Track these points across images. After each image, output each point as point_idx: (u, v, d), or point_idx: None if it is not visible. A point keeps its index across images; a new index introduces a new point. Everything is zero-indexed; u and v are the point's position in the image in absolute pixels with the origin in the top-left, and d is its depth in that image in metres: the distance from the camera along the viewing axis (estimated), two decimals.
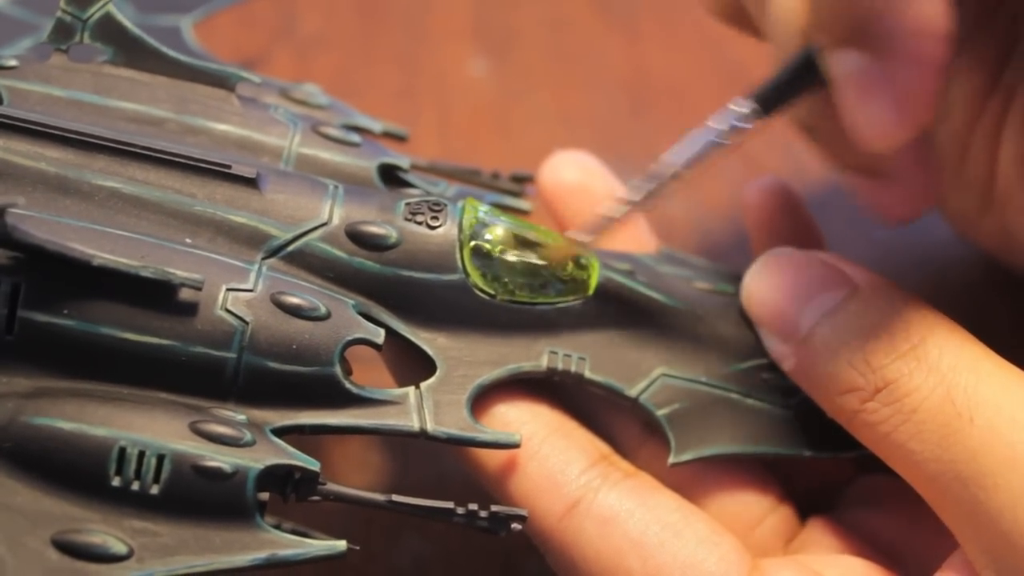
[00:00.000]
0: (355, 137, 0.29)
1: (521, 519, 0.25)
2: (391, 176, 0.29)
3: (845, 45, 0.24)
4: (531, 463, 0.27)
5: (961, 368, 0.25)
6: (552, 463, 0.27)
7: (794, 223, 0.32)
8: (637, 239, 0.31)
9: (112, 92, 0.27)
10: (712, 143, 0.27)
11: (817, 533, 0.29)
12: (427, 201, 0.27)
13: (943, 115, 0.32)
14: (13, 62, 0.27)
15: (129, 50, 0.28)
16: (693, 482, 0.28)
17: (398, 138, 0.32)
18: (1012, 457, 0.24)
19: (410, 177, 0.29)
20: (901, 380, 0.25)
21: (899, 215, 0.30)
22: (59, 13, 0.27)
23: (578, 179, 0.31)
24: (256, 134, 0.28)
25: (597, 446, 0.28)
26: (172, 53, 0.28)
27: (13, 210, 0.24)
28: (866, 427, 0.26)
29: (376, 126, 0.31)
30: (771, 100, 0.27)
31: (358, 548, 0.25)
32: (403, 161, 0.29)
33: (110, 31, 0.28)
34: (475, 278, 0.27)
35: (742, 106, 0.26)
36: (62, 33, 0.28)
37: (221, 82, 0.28)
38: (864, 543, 0.28)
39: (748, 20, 0.30)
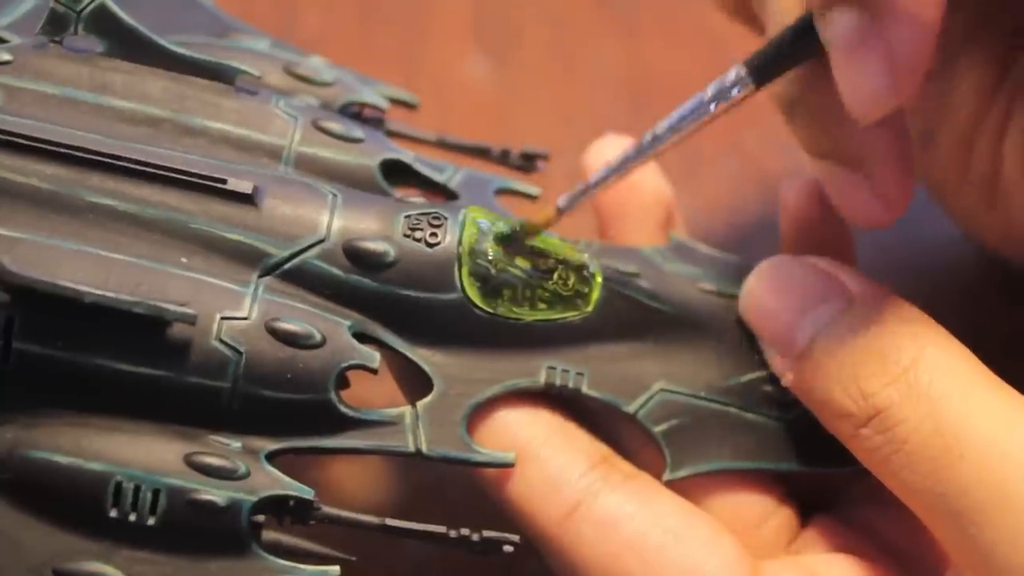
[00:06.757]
0: (358, 132, 0.28)
1: (512, 543, 0.26)
2: (396, 166, 0.29)
3: (839, 4, 0.24)
4: (531, 466, 0.27)
5: (952, 395, 0.24)
6: (552, 466, 0.27)
7: (829, 227, 0.31)
8: (665, 223, 0.31)
9: (108, 89, 0.27)
10: (701, 111, 0.27)
11: (819, 533, 0.29)
12: (427, 214, 0.27)
13: (948, 112, 0.31)
14: (7, 56, 0.27)
15: (125, 42, 0.27)
16: (695, 483, 0.28)
17: (408, 105, 0.32)
18: (1003, 494, 0.23)
19: (416, 164, 0.29)
20: (892, 409, 0.25)
21: (868, 216, 0.28)
22: (52, 3, 0.27)
23: None
24: (255, 133, 0.27)
25: (598, 448, 0.27)
26: (169, 46, 0.27)
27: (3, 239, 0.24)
28: (861, 451, 0.26)
29: (383, 102, 0.31)
30: (764, 69, 0.26)
31: (354, 559, 0.26)
32: (406, 156, 0.29)
33: (104, 23, 0.27)
34: (473, 296, 0.26)
35: (734, 74, 0.26)
36: (56, 24, 0.27)
37: (220, 76, 0.28)
38: (866, 543, 0.28)
39: (752, 14, 0.30)
